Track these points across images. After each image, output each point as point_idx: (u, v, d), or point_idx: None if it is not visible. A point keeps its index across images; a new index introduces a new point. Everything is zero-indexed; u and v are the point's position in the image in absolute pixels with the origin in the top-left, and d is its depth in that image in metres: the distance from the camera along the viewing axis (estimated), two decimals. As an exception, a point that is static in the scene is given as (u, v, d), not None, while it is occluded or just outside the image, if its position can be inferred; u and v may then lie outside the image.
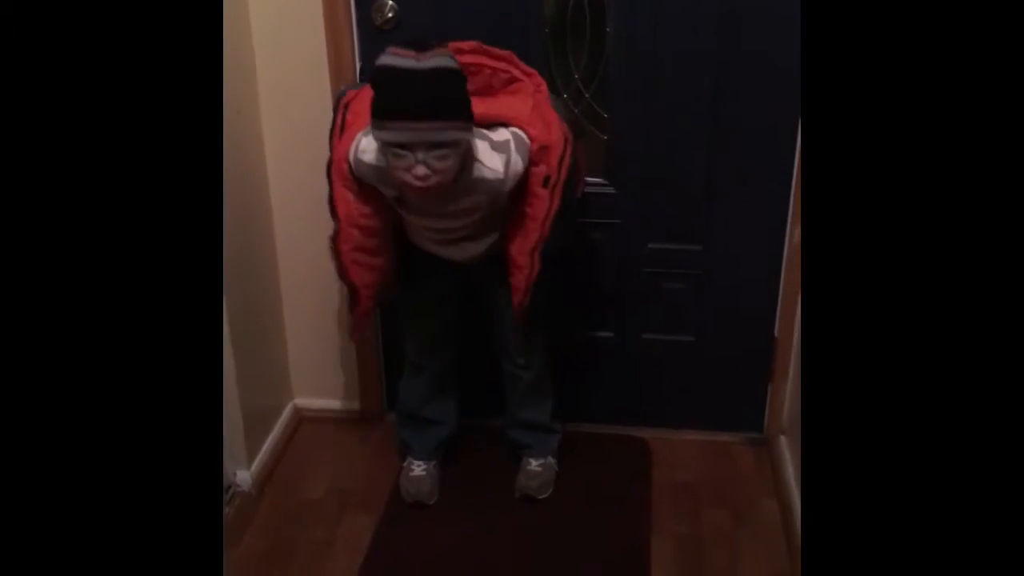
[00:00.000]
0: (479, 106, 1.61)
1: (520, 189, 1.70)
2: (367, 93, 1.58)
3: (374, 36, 1.97)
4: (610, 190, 2.10)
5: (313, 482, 2.19)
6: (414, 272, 1.92)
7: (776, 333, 2.19)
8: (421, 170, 1.52)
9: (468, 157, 1.60)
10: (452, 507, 2.09)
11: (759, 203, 2.07)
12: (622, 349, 2.27)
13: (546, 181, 1.67)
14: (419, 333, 2.04)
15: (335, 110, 1.74)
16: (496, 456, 2.20)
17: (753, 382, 2.26)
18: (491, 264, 1.84)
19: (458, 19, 1.95)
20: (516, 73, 1.73)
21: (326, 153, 1.73)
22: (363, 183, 1.69)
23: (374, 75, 1.53)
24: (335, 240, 1.75)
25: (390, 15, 1.97)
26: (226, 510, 2.03)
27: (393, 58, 1.50)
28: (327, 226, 1.75)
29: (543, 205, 1.68)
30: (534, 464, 2.12)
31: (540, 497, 2.09)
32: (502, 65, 1.72)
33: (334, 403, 2.40)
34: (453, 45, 1.61)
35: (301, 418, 2.41)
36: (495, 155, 1.63)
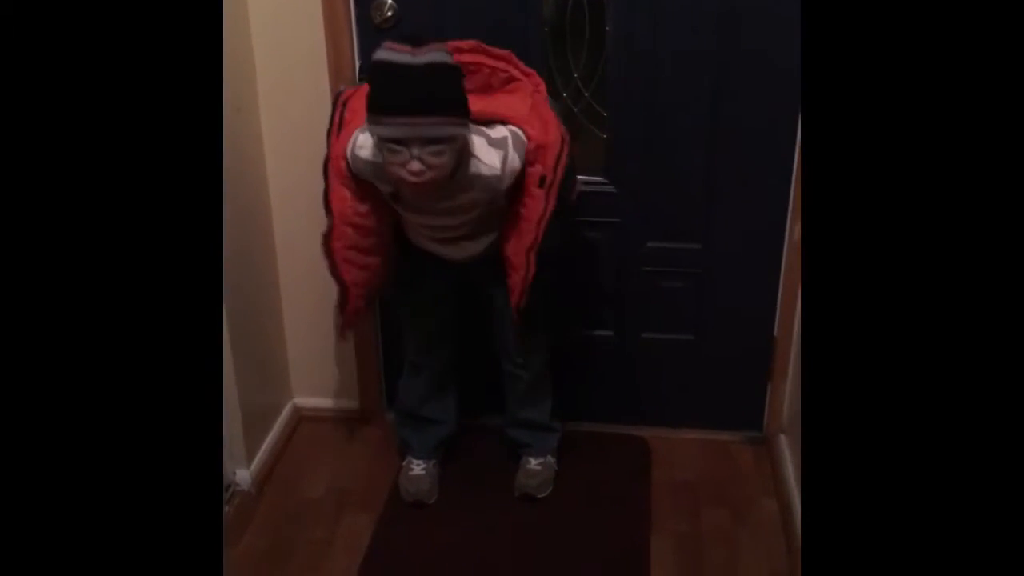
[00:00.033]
0: (477, 104, 1.61)
1: (516, 189, 1.70)
2: (365, 90, 1.58)
3: (373, 35, 1.97)
4: (609, 189, 2.10)
5: (312, 481, 2.19)
6: (413, 271, 1.92)
7: (776, 332, 2.19)
8: (416, 165, 1.52)
9: (465, 153, 1.60)
10: (452, 506, 2.09)
11: (758, 202, 2.07)
12: (621, 348, 2.27)
13: (542, 181, 1.67)
14: (418, 332, 2.04)
15: (333, 107, 1.73)
16: (495, 455, 2.20)
17: (752, 381, 2.26)
18: (490, 264, 1.84)
19: (457, 18, 1.95)
20: (515, 73, 1.73)
21: (325, 151, 1.73)
22: (361, 180, 1.69)
23: (370, 70, 1.53)
24: (328, 237, 1.75)
25: (389, 14, 1.97)
26: (226, 509, 2.03)
27: (389, 53, 1.50)
28: (326, 224, 1.75)
29: (538, 206, 1.68)
30: (533, 463, 2.12)
31: (539, 496, 2.09)
32: (501, 64, 1.72)
33: (333, 402, 2.40)
34: (452, 44, 1.61)
35: (300, 417, 2.40)
36: (492, 151, 1.63)
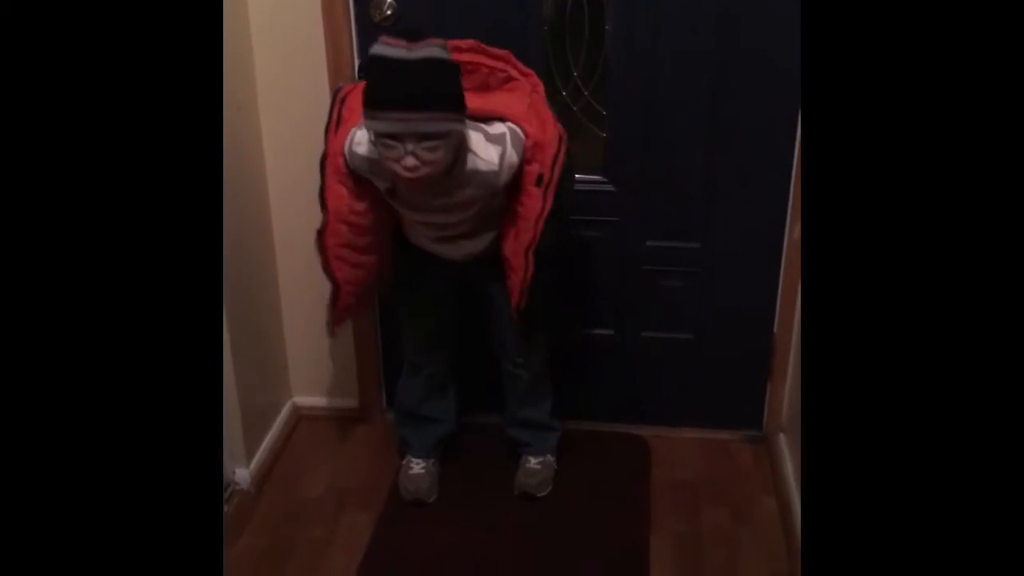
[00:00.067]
0: (475, 102, 1.61)
1: (514, 188, 1.70)
2: (363, 88, 1.58)
3: (372, 33, 1.96)
4: (609, 188, 2.10)
5: (312, 480, 2.19)
6: (412, 271, 1.92)
7: (775, 331, 2.19)
8: (410, 161, 1.52)
9: (462, 149, 1.60)
10: (451, 505, 2.09)
11: (758, 201, 2.07)
12: (621, 347, 2.27)
13: (539, 180, 1.67)
14: (417, 332, 2.04)
15: (331, 104, 1.73)
16: (495, 454, 2.20)
17: (752, 380, 2.26)
18: (489, 263, 1.83)
19: (457, 16, 1.95)
20: (513, 72, 1.73)
21: (323, 148, 1.73)
22: (358, 178, 1.69)
23: (366, 64, 1.53)
24: (321, 234, 1.75)
25: (388, 12, 1.97)
26: (225, 508, 2.03)
27: (385, 48, 1.50)
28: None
29: (536, 205, 1.68)
30: (533, 462, 2.12)
31: (539, 495, 2.09)
32: (499, 64, 1.72)
33: (333, 401, 2.40)
34: (452, 43, 1.61)
35: (300, 416, 2.40)
36: (490, 147, 1.63)
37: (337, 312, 1.85)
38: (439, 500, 2.10)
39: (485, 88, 1.71)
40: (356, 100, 1.66)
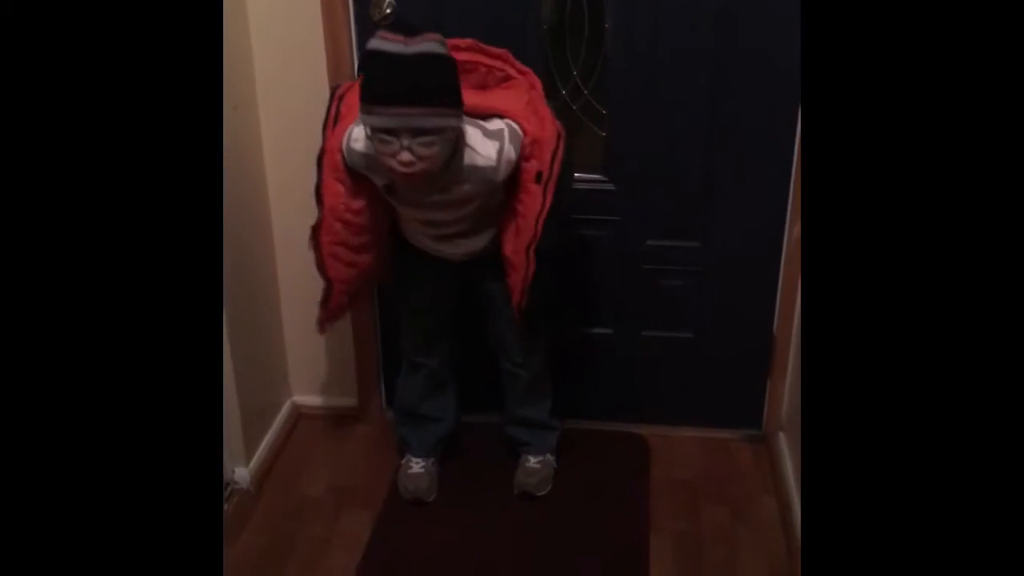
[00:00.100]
0: (473, 99, 1.61)
1: (513, 186, 1.69)
2: None
3: (372, 31, 1.96)
4: (609, 187, 2.10)
5: (311, 479, 2.19)
6: (411, 270, 1.92)
7: (775, 330, 2.19)
8: (406, 156, 1.52)
9: (460, 144, 1.60)
10: (451, 504, 2.09)
11: (757, 200, 2.06)
12: (621, 346, 2.27)
13: (538, 177, 1.66)
14: (416, 330, 2.04)
15: (329, 101, 1.73)
16: (495, 453, 2.20)
17: (752, 379, 2.26)
18: (488, 262, 1.83)
19: (456, 15, 1.94)
20: (511, 71, 1.73)
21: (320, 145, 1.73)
22: (356, 176, 1.69)
23: (362, 59, 1.52)
24: (316, 230, 1.75)
25: (388, 11, 1.97)
26: (225, 507, 2.03)
27: (381, 42, 1.50)
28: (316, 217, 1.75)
29: (535, 202, 1.67)
30: (533, 461, 2.12)
31: (539, 494, 2.09)
32: (497, 63, 1.72)
33: (332, 400, 2.40)
34: (450, 42, 1.61)
35: (299, 415, 2.40)
36: (488, 142, 1.63)
37: (328, 311, 1.85)
38: (438, 499, 2.10)
39: (483, 87, 1.71)
40: (354, 97, 1.65)
